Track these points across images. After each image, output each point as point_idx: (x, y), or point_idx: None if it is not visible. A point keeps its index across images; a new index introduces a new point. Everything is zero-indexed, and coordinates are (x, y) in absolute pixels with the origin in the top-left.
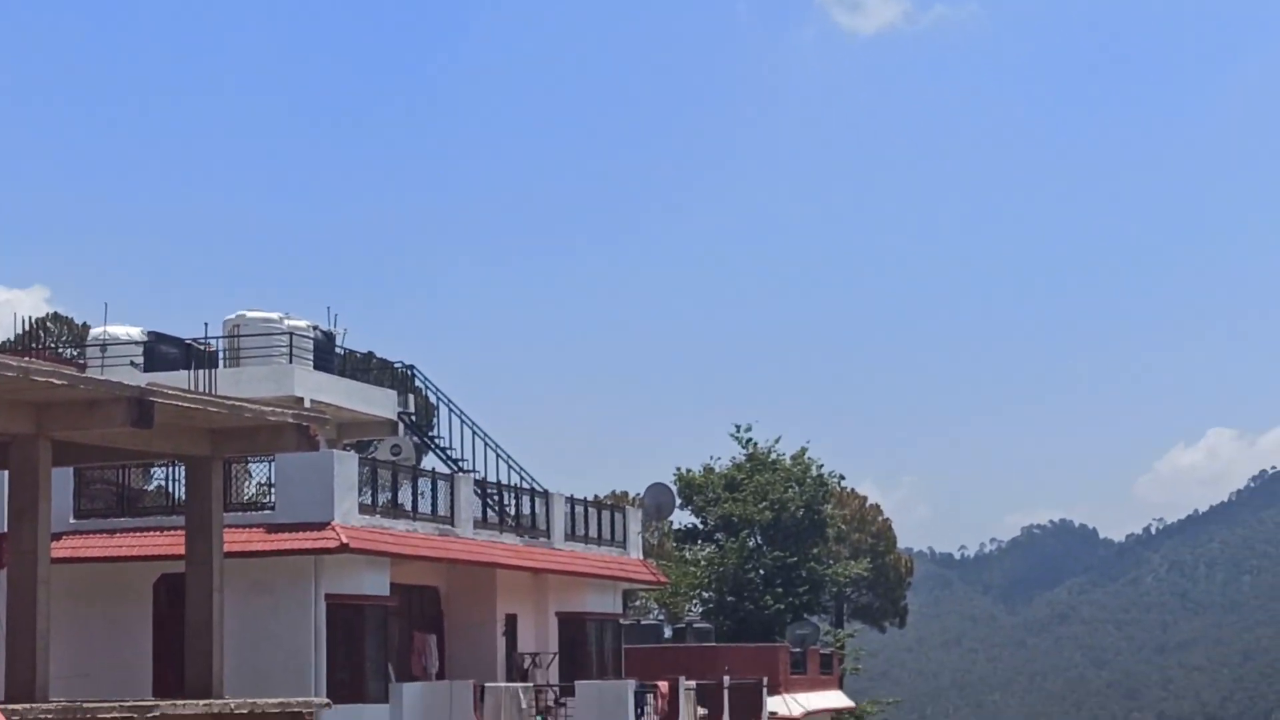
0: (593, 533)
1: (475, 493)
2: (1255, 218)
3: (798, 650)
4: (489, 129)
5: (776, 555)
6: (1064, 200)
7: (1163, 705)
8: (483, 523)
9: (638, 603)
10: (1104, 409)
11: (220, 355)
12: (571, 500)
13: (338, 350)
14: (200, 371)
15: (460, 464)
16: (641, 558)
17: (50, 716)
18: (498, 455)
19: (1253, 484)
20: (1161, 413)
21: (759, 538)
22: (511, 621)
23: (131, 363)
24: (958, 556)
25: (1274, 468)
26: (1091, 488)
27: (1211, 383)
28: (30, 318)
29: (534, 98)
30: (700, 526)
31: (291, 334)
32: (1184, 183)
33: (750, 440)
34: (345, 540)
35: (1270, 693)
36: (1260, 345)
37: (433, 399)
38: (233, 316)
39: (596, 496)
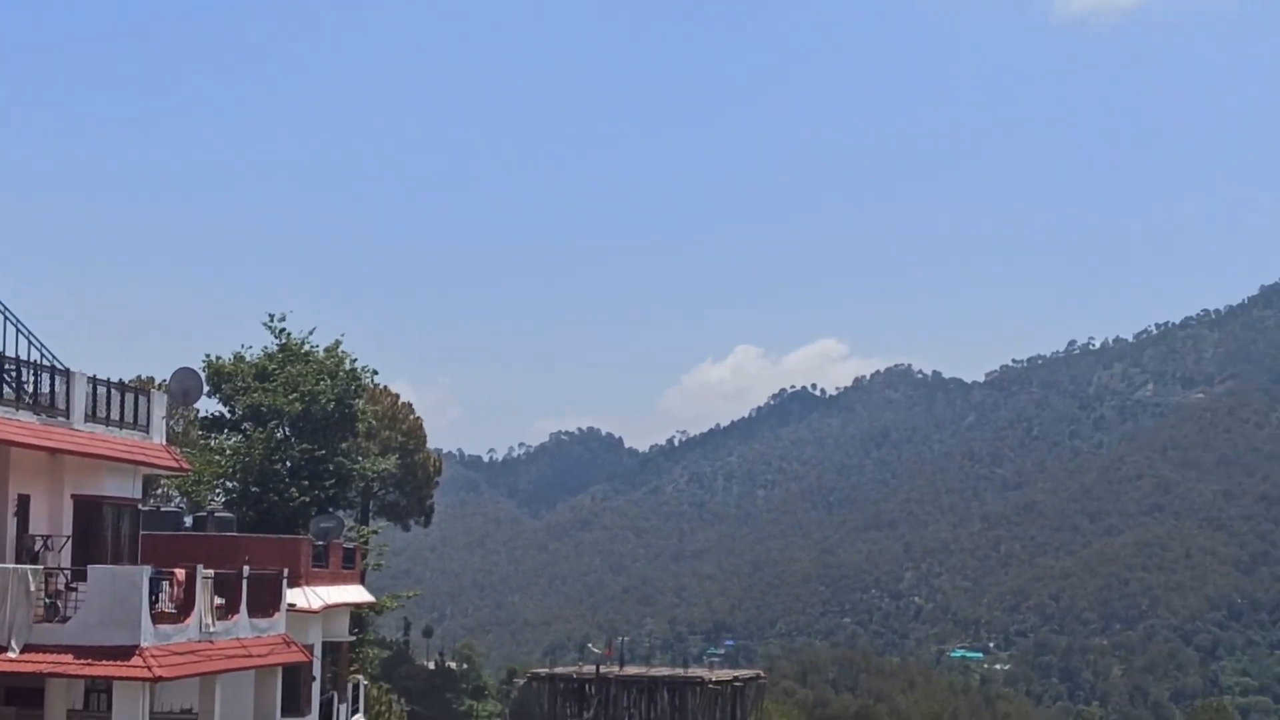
0: (115, 415)
1: None
2: (783, 141)
3: (320, 544)
4: None
5: (304, 448)
6: (614, 119)
7: (675, 611)
8: None
9: (159, 490)
10: (636, 321)
11: None
12: (94, 380)
13: None
14: None
15: None
16: (164, 443)
17: None
18: (17, 329)
19: (773, 401)
20: (692, 328)
21: (287, 429)
22: (24, 502)
23: None
24: (486, 459)
25: (793, 387)
26: (620, 398)
27: (741, 302)
28: None
29: None
30: (228, 415)
31: None
32: (730, 102)
33: (284, 330)
34: None
35: (776, 602)
36: (786, 269)
37: None
38: None
39: (121, 379)
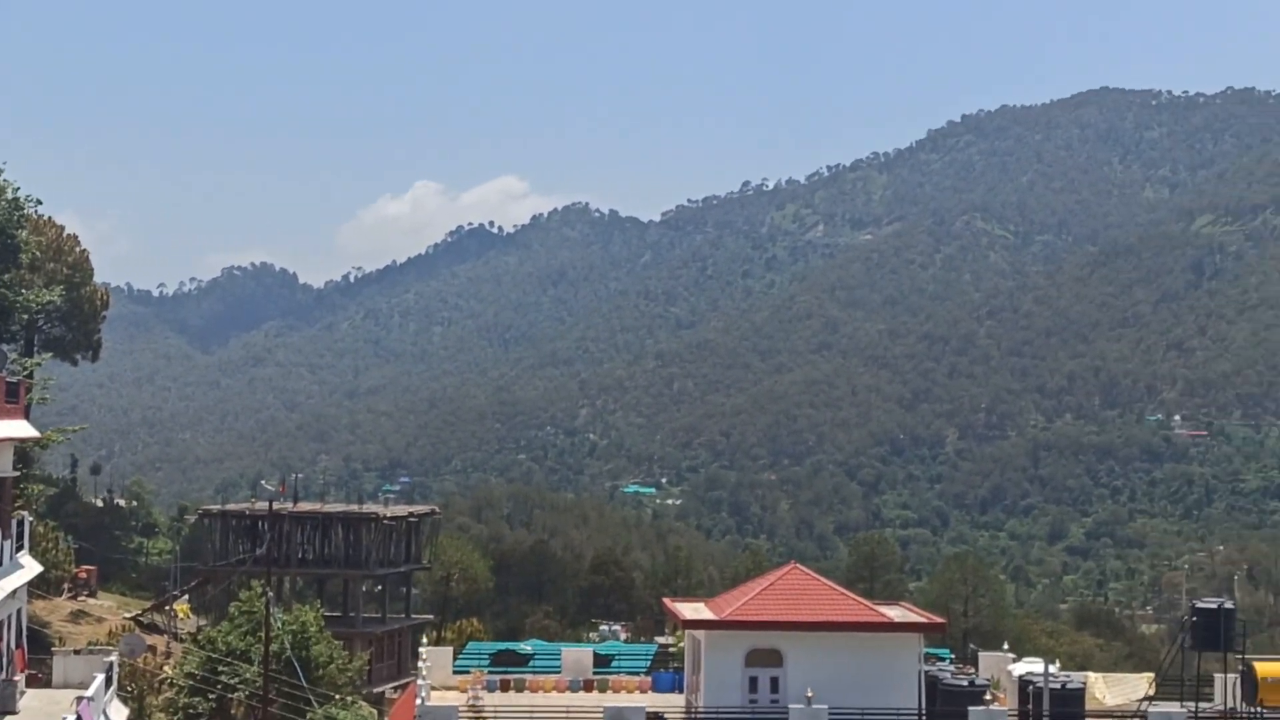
0: None
1: None
2: None
3: None
4: None
5: None
6: None
7: (350, 448)
8: None
9: None
10: (312, 152)
11: None
12: None
13: None
14: None
15: None
16: None
17: None
18: None
19: (450, 238)
20: (370, 162)
21: None
22: None
23: None
24: (156, 294)
25: (471, 224)
26: (295, 232)
27: (421, 136)
28: None
29: None
30: None
31: None
32: None
33: None
34: None
35: (452, 439)
36: (467, 103)
37: None
38: None
39: None
